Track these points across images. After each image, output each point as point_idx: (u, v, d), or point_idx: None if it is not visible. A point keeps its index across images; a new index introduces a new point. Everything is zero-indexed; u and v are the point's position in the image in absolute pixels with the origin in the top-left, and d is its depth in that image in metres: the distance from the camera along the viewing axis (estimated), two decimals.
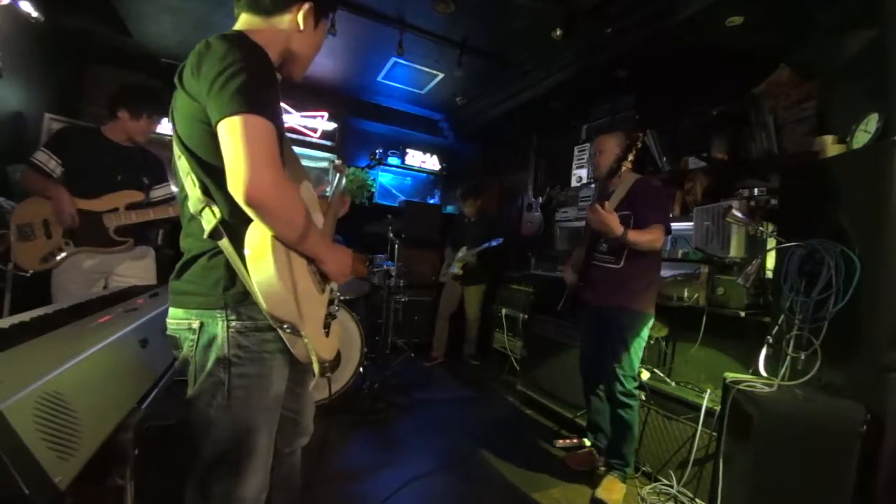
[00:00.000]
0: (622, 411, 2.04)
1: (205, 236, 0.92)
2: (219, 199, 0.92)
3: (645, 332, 2.06)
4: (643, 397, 2.19)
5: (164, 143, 3.51)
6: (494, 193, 5.31)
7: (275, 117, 0.87)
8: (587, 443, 2.43)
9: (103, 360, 0.94)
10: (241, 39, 0.89)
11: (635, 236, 1.97)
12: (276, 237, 0.86)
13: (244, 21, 1.01)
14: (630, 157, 2.04)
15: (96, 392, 0.89)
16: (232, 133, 0.81)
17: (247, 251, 0.85)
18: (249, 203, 0.81)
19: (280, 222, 0.86)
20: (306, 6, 1.03)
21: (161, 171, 2.33)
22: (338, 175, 1.42)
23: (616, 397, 2.05)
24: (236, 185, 0.80)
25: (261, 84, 0.85)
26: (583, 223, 3.73)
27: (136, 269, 2.21)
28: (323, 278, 1.06)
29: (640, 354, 2.07)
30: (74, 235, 2.01)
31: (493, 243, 3.81)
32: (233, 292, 0.92)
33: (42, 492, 0.67)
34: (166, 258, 2.62)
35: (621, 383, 2.02)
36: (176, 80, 0.93)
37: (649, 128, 3.11)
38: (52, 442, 0.71)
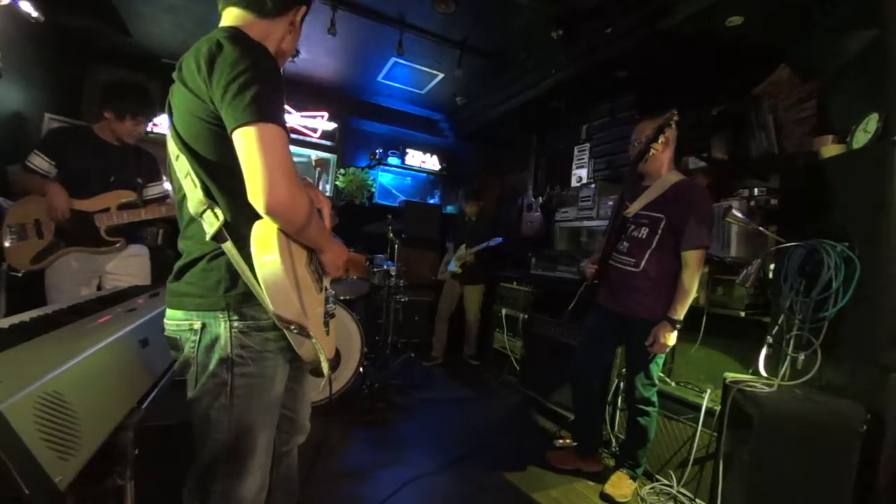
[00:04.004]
0: (640, 418, 2.02)
1: (207, 238, 0.91)
2: (221, 201, 0.92)
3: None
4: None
5: (164, 143, 3.52)
6: (494, 193, 5.31)
7: (285, 122, 0.88)
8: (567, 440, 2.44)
9: (103, 360, 0.94)
10: (249, 41, 0.89)
11: (684, 302, 1.86)
12: (281, 238, 0.87)
13: (236, 16, 0.99)
14: (661, 139, 1.82)
15: (96, 392, 0.89)
16: (249, 142, 0.82)
17: (253, 250, 0.86)
18: (270, 212, 0.83)
19: (293, 225, 0.89)
20: (303, 9, 1.06)
21: (155, 168, 2.32)
22: (318, 170, 1.43)
23: (635, 406, 2.03)
24: (256, 195, 0.82)
25: (273, 90, 0.86)
26: (583, 223, 3.76)
27: (129, 267, 2.20)
28: (319, 277, 1.07)
29: (661, 363, 2.02)
30: (65, 235, 2.00)
31: (492, 243, 3.81)
32: (234, 293, 0.92)
33: (42, 492, 0.67)
34: (167, 259, 2.62)
35: (640, 391, 2.00)
36: (175, 74, 0.93)
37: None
38: (52, 442, 0.71)
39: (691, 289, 1.87)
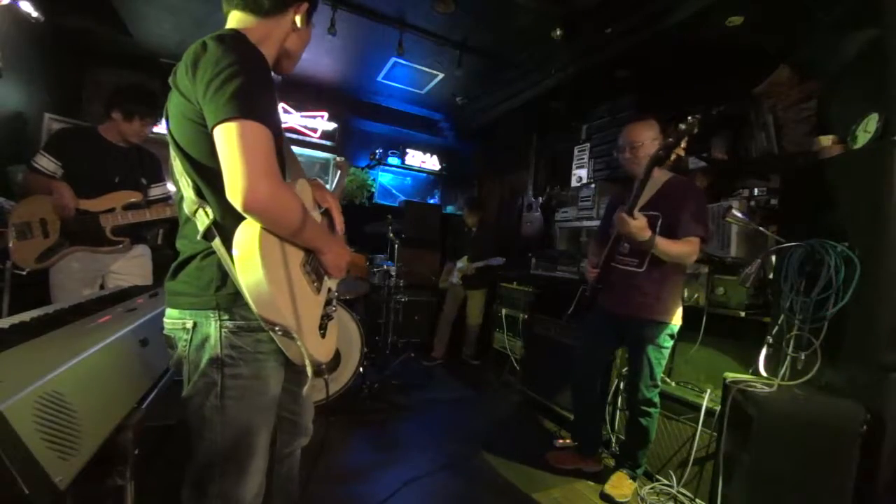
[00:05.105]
0: (642, 419, 2.02)
1: (198, 237, 0.92)
2: (211, 201, 0.91)
3: (669, 342, 1.97)
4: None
5: (165, 144, 3.53)
6: (495, 194, 5.31)
7: (271, 120, 0.87)
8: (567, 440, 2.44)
9: (103, 360, 0.94)
10: (238, 41, 0.89)
11: (665, 246, 1.82)
12: (265, 238, 0.85)
13: (238, 19, 1.00)
14: (683, 144, 1.79)
15: (96, 392, 0.89)
16: (228, 139, 0.81)
17: (235, 252, 0.84)
18: (247, 211, 0.82)
19: (278, 226, 0.88)
20: (305, 6, 1.04)
21: (158, 170, 2.33)
22: (339, 172, 1.43)
23: (637, 406, 2.03)
24: (234, 193, 0.81)
25: (257, 87, 0.85)
26: (582, 223, 3.76)
27: (132, 267, 2.21)
28: (318, 277, 1.05)
29: (663, 364, 2.01)
30: (71, 235, 2.01)
31: (493, 262, 3.87)
32: (225, 293, 0.92)
33: (42, 492, 0.67)
34: (166, 258, 2.62)
35: (643, 392, 2.00)
36: (170, 80, 0.93)
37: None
38: (52, 442, 0.71)
39: (676, 252, 1.85)
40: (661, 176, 2.02)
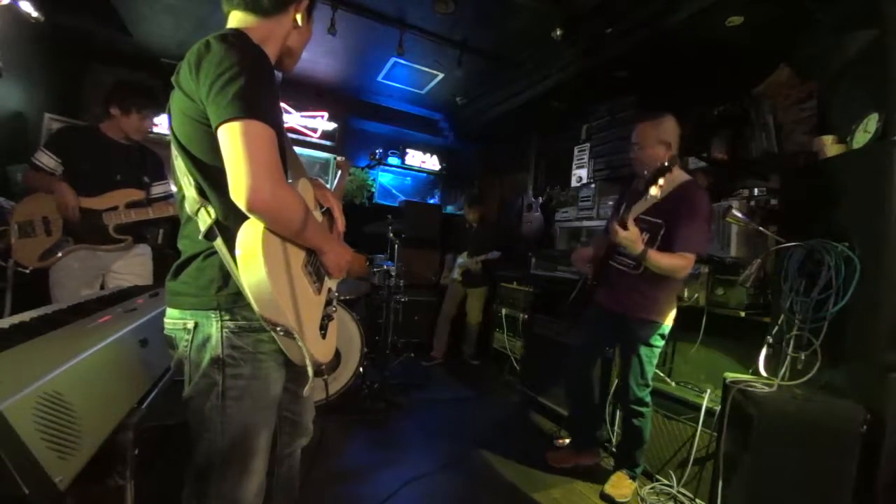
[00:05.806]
0: (635, 419, 2.03)
1: (200, 237, 0.92)
2: (213, 200, 0.91)
3: (660, 342, 1.99)
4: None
5: (165, 143, 3.52)
6: (495, 193, 5.31)
7: (274, 119, 0.87)
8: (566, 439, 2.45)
9: (103, 360, 0.94)
10: (241, 40, 0.88)
11: (657, 258, 1.79)
12: (268, 238, 0.85)
13: (239, 19, 1.00)
14: (661, 182, 1.69)
15: (96, 392, 0.89)
16: (232, 138, 0.81)
17: (238, 252, 0.84)
18: (251, 210, 0.82)
19: (281, 225, 0.88)
20: (305, 3, 1.04)
21: (160, 168, 2.34)
22: (340, 172, 1.43)
23: (629, 406, 2.03)
24: (238, 193, 0.81)
25: (260, 87, 0.85)
26: (583, 223, 3.76)
27: (133, 266, 2.21)
28: (319, 278, 1.06)
29: (654, 363, 2.02)
30: (74, 233, 2.01)
31: (491, 256, 3.90)
32: (226, 293, 0.92)
33: (42, 492, 0.67)
34: (167, 258, 2.62)
35: (633, 392, 2.00)
36: (173, 79, 0.93)
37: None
38: (52, 442, 0.71)
39: (667, 265, 1.81)
40: (676, 176, 1.92)
